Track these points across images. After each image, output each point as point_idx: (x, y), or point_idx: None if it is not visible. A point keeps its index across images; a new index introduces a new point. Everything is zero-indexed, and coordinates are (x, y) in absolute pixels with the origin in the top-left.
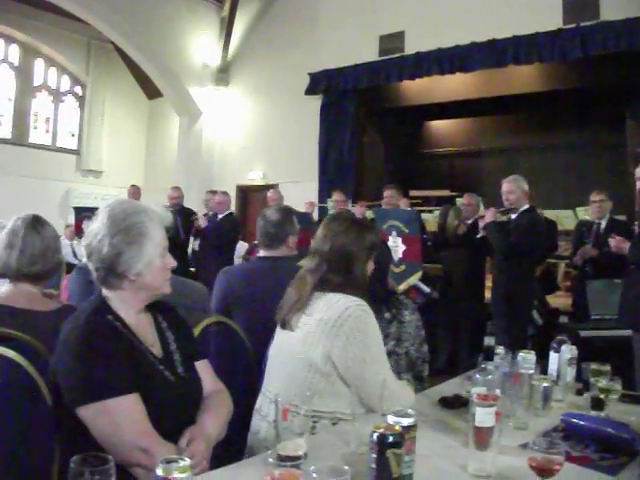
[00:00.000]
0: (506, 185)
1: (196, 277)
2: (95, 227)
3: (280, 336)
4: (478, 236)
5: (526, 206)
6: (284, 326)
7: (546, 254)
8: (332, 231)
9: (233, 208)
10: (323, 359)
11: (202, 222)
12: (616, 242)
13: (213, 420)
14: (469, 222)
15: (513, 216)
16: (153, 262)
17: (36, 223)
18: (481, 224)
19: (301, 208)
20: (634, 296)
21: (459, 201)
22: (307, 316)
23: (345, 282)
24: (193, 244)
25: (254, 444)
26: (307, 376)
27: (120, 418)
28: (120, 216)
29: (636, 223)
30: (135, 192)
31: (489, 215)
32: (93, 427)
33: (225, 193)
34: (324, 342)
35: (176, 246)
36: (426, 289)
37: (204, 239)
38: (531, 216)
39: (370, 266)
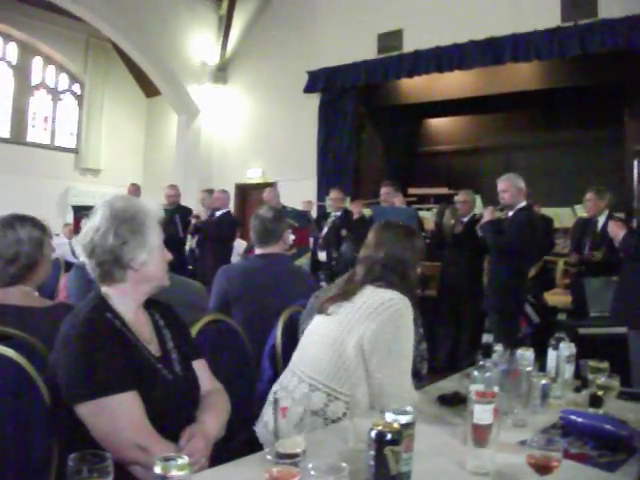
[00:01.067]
0: (500, 184)
1: (194, 275)
2: (95, 223)
3: (317, 319)
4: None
5: (522, 204)
6: (321, 311)
7: (543, 252)
8: (386, 239)
9: (232, 206)
10: (354, 341)
11: (203, 215)
12: (614, 225)
13: (212, 419)
14: (465, 219)
15: (510, 213)
16: (155, 251)
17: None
18: (478, 225)
19: (299, 206)
20: (628, 293)
21: (457, 199)
22: (351, 303)
23: (400, 283)
24: (191, 242)
25: (263, 437)
26: (333, 356)
27: (118, 416)
28: (122, 208)
29: (635, 219)
30: (135, 190)
31: (487, 214)
32: (91, 425)
33: (224, 191)
34: (360, 324)
35: (174, 244)
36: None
37: (202, 236)
38: (526, 214)
39: (419, 270)
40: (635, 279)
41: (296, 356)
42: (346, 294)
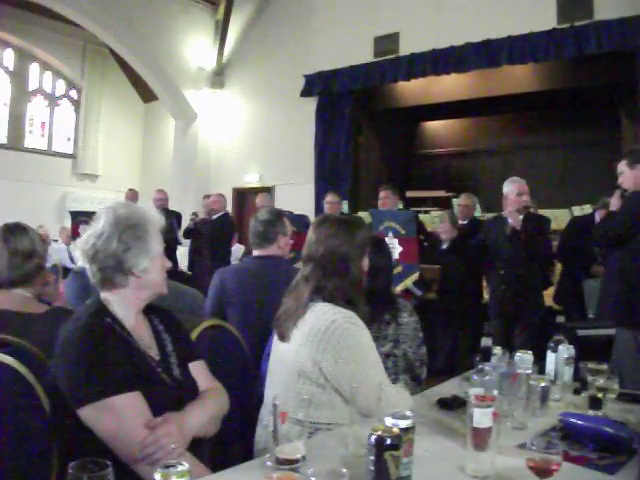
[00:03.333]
0: (520, 186)
1: (191, 280)
2: (99, 228)
3: (277, 347)
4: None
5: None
6: (282, 338)
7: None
8: (323, 235)
9: (229, 210)
10: (314, 371)
11: (200, 214)
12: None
13: (196, 409)
14: (465, 222)
15: (520, 217)
16: (156, 259)
17: (6, 233)
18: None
19: (298, 210)
20: (615, 291)
21: (455, 201)
22: (298, 329)
23: (341, 285)
24: (185, 244)
25: (257, 454)
26: (302, 387)
27: (124, 415)
28: (126, 215)
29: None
30: (133, 196)
31: (513, 221)
32: (97, 426)
33: (220, 195)
34: (313, 354)
35: (171, 249)
36: (418, 292)
37: (198, 239)
38: (538, 220)
39: (365, 263)
40: (611, 276)
41: (268, 392)
42: (297, 314)
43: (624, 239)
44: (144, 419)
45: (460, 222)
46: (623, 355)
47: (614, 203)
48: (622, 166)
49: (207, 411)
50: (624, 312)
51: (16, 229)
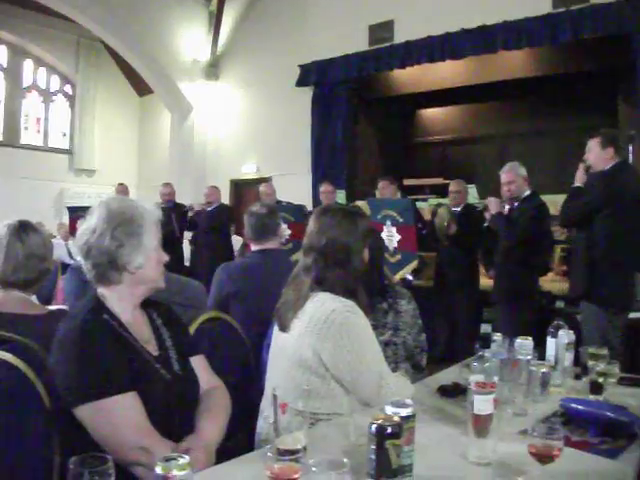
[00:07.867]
0: (505, 175)
1: (191, 273)
2: (92, 224)
3: (278, 338)
4: (486, 224)
5: (527, 192)
6: (282, 328)
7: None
8: (325, 225)
9: (227, 202)
10: (314, 360)
11: (196, 206)
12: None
13: (212, 426)
14: (458, 209)
15: (515, 204)
16: (151, 254)
17: (21, 231)
18: (487, 215)
19: (295, 201)
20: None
21: (449, 189)
22: (298, 319)
23: (343, 276)
24: (187, 236)
25: (258, 445)
26: (303, 378)
27: (118, 417)
28: (119, 210)
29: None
30: (123, 190)
31: (493, 206)
32: (91, 427)
33: (214, 187)
34: (313, 343)
35: (170, 242)
36: (409, 277)
37: (196, 230)
38: (535, 203)
39: (366, 254)
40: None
41: (269, 383)
42: (297, 305)
43: (589, 219)
44: (139, 422)
45: (453, 209)
46: (590, 327)
47: (579, 177)
48: (594, 144)
49: (220, 422)
50: (589, 288)
51: (31, 229)
